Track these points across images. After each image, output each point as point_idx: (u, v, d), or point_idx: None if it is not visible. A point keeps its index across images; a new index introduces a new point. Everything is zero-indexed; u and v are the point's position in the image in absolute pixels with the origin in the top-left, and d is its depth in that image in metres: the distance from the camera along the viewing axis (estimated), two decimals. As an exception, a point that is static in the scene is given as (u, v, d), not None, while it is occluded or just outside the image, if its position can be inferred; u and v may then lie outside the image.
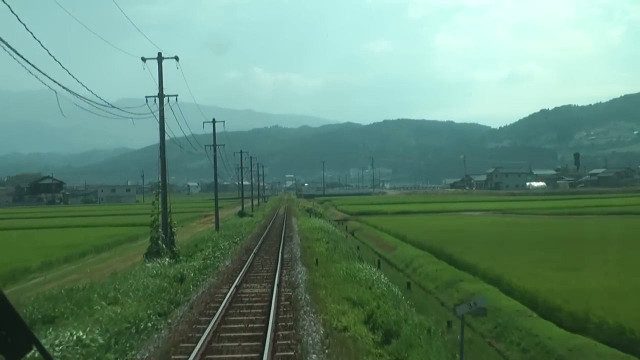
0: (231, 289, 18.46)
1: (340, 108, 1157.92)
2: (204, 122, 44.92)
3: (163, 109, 30.81)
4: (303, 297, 17.25)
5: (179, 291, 18.48)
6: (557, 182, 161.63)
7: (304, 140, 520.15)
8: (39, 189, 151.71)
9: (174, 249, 29.68)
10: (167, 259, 26.58)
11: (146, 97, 30.31)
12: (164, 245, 28.94)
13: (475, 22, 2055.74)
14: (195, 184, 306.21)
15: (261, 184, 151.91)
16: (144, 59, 30.51)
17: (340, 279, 20.02)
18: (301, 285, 19.62)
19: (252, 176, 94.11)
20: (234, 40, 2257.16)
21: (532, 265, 21.43)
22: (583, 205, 67.64)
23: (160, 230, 29.52)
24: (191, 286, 19.82)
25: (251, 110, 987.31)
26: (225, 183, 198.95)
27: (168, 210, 30.65)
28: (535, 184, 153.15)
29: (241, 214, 72.03)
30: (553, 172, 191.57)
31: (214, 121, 45.38)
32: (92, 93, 20.35)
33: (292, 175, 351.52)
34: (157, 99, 30.67)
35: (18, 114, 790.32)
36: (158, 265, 23.75)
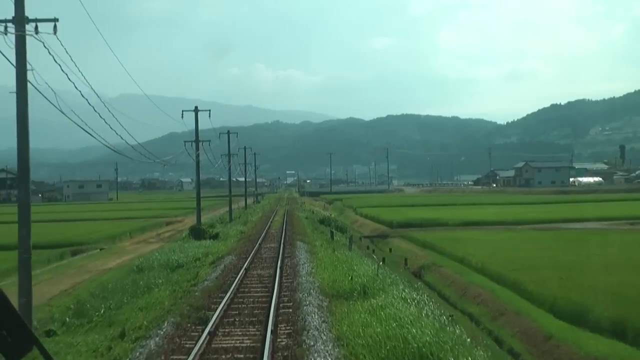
0: None
1: (342, 104, 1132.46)
2: None
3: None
4: None
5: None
6: (614, 177, 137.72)
7: (305, 136, 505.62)
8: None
9: None
10: None
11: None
12: None
13: (477, 19, 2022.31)
14: (189, 179, 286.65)
15: (257, 179, 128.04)
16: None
17: None
18: None
19: (230, 161, 57.92)
20: (236, 37, 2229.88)
21: None
22: None
23: None
24: None
25: (252, 106, 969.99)
26: (221, 179, 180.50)
27: None
28: (583, 179, 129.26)
29: (196, 232, 38.76)
30: (603, 166, 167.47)
31: None
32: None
33: (293, 171, 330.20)
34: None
35: (13, 109, 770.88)
36: None
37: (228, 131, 56.12)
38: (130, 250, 32.96)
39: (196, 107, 35.97)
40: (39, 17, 14.25)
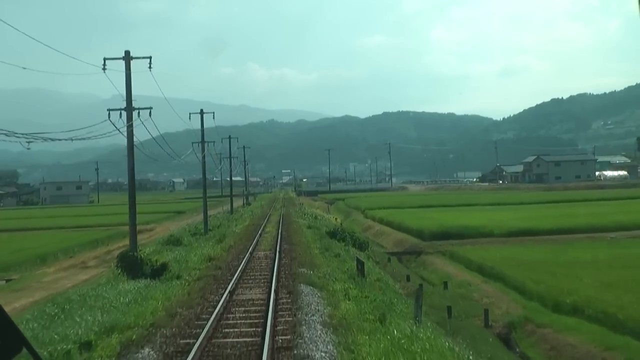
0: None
1: (337, 102, 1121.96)
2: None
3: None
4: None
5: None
6: (638, 170, 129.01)
7: (300, 134, 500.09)
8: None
9: None
10: None
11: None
12: None
13: (470, 15, 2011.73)
14: (181, 180, 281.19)
15: (251, 178, 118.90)
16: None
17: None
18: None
19: (204, 149, 46.71)
20: (229, 36, 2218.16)
21: None
22: None
23: None
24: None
25: (246, 105, 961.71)
26: (215, 179, 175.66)
27: None
28: (608, 173, 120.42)
29: (129, 264, 22.47)
30: (626, 159, 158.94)
31: None
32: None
33: (289, 170, 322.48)
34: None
35: (9, 112, 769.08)
36: None
37: (201, 110, 45.02)
38: (45, 284, 22.89)
39: (127, 52, 23.87)
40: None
